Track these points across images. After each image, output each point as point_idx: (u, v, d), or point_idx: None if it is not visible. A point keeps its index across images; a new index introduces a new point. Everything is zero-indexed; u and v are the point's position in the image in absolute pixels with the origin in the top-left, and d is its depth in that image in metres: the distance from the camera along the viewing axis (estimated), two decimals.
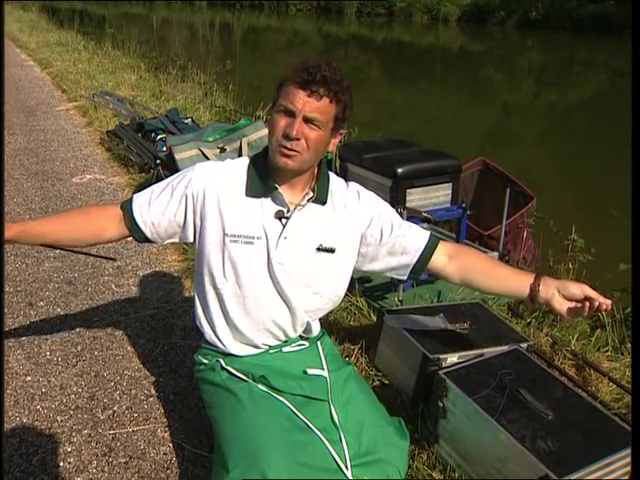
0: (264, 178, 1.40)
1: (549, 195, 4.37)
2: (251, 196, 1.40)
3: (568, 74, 15.61)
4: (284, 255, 1.41)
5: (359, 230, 1.48)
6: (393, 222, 1.50)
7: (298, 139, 1.28)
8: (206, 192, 1.41)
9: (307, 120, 1.28)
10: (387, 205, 1.55)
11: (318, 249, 1.44)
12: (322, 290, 1.48)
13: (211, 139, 3.82)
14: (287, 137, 1.28)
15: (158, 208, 1.44)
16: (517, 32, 25.68)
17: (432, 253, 1.50)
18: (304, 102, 1.26)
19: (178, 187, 1.43)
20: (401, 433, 1.45)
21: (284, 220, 1.40)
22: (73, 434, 1.84)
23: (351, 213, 1.47)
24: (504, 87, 14.01)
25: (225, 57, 9.90)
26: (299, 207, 1.41)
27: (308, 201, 1.41)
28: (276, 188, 1.39)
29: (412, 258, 1.50)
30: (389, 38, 25.76)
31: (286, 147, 1.29)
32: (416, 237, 1.50)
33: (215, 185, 1.41)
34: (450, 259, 1.51)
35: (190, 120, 5.17)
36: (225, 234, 1.40)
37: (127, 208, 1.46)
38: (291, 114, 1.28)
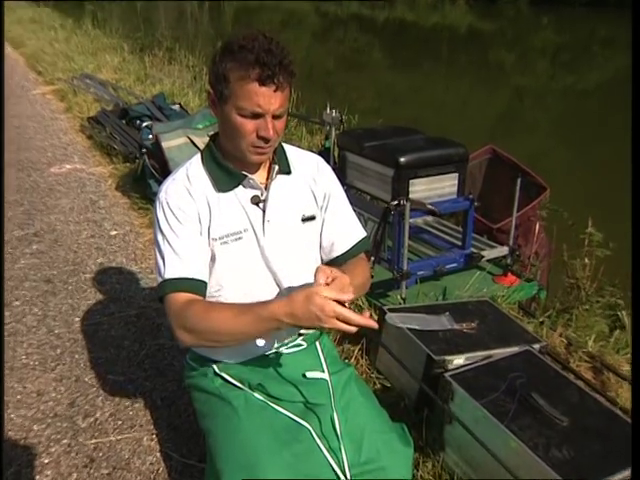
0: (228, 169, 1.41)
1: (563, 186, 4.37)
2: (223, 191, 1.41)
3: (586, 54, 15.61)
4: (274, 238, 1.42)
5: (319, 198, 1.51)
6: (335, 213, 1.52)
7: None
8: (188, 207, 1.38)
9: (274, 116, 1.30)
10: (341, 190, 1.56)
11: (303, 220, 1.47)
12: (312, 262, 1.51)
13: (201, 126, 3.81)
14: (263, 139, 1.30)
15: (191, 249, 1.36)
16: (531, 9, 25.65)
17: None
18: (270, 100, 1.27)
19: (174, 221, 1.36)
20: (404, 440, 1.45)
21: (261, 204, 1.42)
22: (51, 444, 1.84)
23: (313, 180, 1.51)
24: (516, 70, 14.01)
25: (216, 38, 9.88)
26: (270, 184, 1.42)
27: (276, 175, 1.44)
28: (245, 176, 1.40)
29: (325, 257, 1.54)
30: (391, 18, 25.71)
31: (262, 147, 1.32)
32: (343, 244, 1.52)
33: (187, 198, 1.38)
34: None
35: (178, 106, 5.16)
36: (213, 239, 1.39)
37: (179, 284, 1.34)
38: (258, 116, 1.29)
